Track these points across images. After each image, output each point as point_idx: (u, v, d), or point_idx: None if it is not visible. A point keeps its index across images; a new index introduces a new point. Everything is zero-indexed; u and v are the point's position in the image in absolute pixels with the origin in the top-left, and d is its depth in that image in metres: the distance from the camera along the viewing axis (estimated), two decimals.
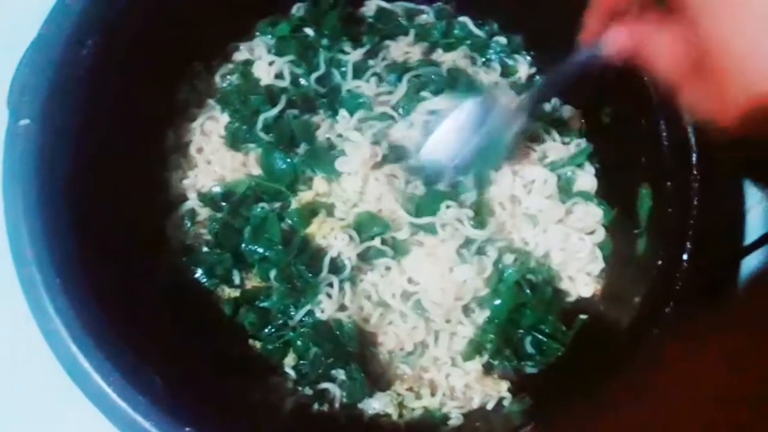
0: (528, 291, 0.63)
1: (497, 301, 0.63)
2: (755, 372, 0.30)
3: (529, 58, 0.75)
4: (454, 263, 0.62)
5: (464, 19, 0.75)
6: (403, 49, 0.72)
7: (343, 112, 0.67)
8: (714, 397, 0.30)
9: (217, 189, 0.65)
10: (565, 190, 0.68)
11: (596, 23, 0.50)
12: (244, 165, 0.66)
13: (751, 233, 0.70)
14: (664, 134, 0.60)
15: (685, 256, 0.55)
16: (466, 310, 0.64)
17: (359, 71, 0.69)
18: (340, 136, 0.67)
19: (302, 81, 0.68)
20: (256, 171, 0.66)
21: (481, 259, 0.63)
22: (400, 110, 0.68)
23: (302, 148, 0.65)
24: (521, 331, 0.63)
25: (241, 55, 0.71)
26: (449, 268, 0.62)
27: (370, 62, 0.70)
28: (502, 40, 0.74)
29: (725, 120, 0.40)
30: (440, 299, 0.62)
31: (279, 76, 0.68)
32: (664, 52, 0.43)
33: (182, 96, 0.69)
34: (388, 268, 0.63)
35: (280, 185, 0.64)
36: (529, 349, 0.63)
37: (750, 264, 0.68)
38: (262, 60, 0.68)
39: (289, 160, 0.64)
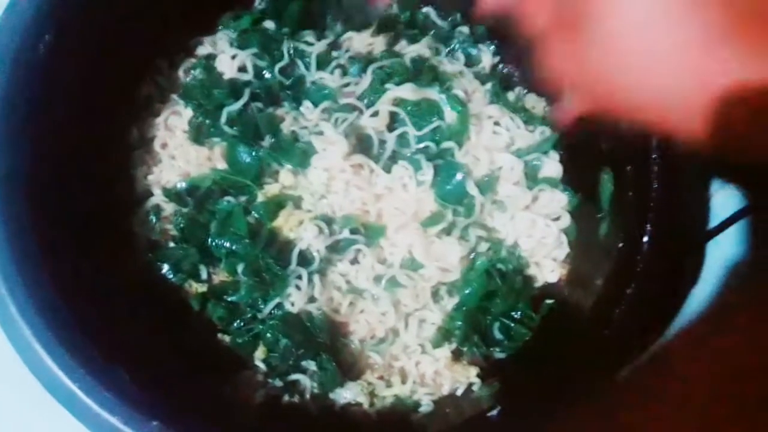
0: (498, 280, 0.64)
1: (467, 290, 0.63)
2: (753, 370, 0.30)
3: (492, 47, 0.75)
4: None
5: (428, 9, 0.75)
6: (366, 40, 0.72)
7: (307, 104, 0.67)
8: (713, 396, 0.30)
9: (182, 184, 0.65)
10: (531, 177, 0.68)
11: None
12: (209, 159, 0.66)
13: (716, 217, 0.71)
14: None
15: (645, 238, 0.56)
16: (436, 296, 0.64)
17: (323, 63, 0.69)
18: (305, 128, 0.67)
19: (266, 74, 0.68)
20: (222, 165, 0.65)
21: (460, 242, 0.64)
22: (365, 101, 0.68)
23: (267, 141, 0.65)
24: (489, 317, 0.64)
25: (204, 49, 0.70)
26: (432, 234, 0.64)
27: (334, 54, 0.70)
28: (465, 29, 0.74)
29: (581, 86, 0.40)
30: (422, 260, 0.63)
31: (242, 69, 0.68)
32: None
33: (145, 91, 0.68)
34: (361, 254, 0.64)
35: (246, 178, 0.64)
36: (498, 335, 0.64)
37: (718, 248, 0.70)
38: (225, 54, 0.68)
39: (254, 153, 0.64)
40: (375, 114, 0.67)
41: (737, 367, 0.31)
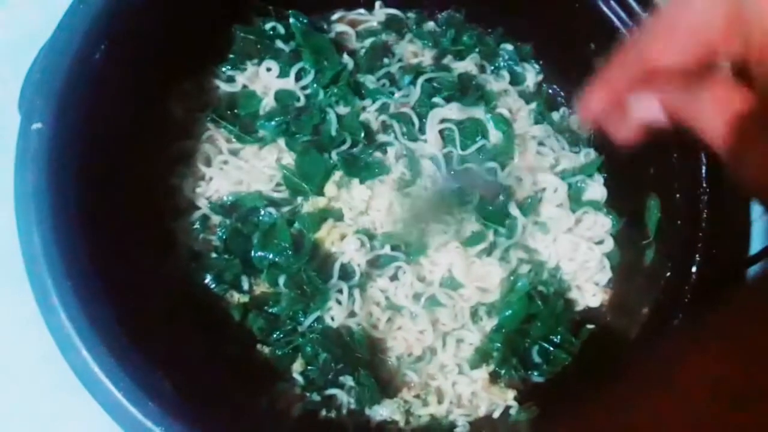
0: (539, 302, 0.63)
1: (508, 312, 0.63)
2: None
3: (537, 66, 0.75)
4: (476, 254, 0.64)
5: (473, 26, 0.75)
6: (412, 50, 0.72)
7: (366, 102, 0.67)
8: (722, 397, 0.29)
9: (228, 198, 0.64)
10: (574, 199, 0.68)
11: (602, 97, 0.42)
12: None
13: (755, 244, 0.70)
14: (674, 146, 0.60)
15: (693, 269, 0.56)
16: (475, 316, 0.64)
17: (373, 68, 0.69)
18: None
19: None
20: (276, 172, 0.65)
21: (501, 263, 0.64)
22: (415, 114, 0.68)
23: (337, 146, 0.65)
24: (528, 340, 0.63)
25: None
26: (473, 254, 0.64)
27: (385, 60, 0.70)
28: (510, 47, 0.74)
29: None
30: (461, 279, 0.63)
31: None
32: (708, 109, 0.35)
33: (193, 102, 0.68)
34: (401, 271, 0.63)
35: (308, 184, 0.64)
36: (536, 358, 0.63)
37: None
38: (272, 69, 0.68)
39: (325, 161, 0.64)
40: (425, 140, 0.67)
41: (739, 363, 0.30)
